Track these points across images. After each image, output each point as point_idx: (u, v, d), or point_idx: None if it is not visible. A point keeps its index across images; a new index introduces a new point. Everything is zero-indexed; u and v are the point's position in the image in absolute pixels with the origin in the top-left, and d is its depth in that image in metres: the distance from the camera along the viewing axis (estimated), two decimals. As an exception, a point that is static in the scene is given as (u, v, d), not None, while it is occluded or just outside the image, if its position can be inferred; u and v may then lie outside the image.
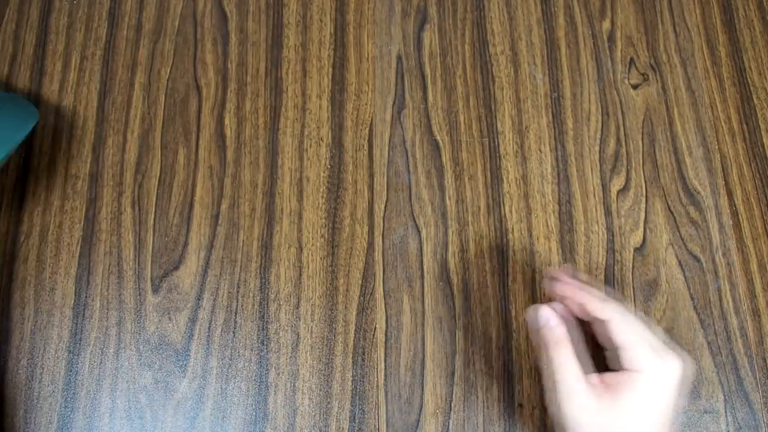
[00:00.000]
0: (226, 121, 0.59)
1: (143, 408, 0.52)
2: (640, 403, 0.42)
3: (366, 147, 0.59)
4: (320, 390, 0.52)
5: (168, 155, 0.59)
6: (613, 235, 0.57)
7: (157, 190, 0.57)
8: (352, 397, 0.52)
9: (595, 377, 0.43)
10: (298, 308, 0.54)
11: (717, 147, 0.60)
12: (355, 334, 0.54)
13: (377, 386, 0.53)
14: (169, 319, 0.54)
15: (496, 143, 0.59)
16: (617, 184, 0.58)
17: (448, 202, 0.57)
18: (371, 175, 0.58)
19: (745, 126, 0.60)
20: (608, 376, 0.43)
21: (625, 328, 0.43)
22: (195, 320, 0.54)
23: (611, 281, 0.56)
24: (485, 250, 0.56)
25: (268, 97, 0.60)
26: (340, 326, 0.54)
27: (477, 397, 0.52)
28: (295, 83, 0.61)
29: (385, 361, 0.53)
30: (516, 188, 0.58)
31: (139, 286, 0.55)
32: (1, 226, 0.56)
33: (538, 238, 0.57)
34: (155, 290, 0.55)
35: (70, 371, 0.53)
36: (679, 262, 0.56)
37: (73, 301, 0.55)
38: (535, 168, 0.59)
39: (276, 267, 0.55)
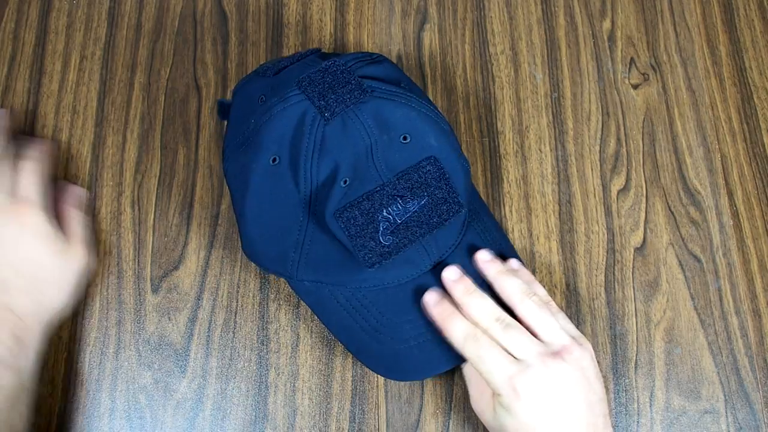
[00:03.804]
0: (226, 121, 0.59)
1: (143, 408, 0.52)
2: (510, 417, 0.43)
3: (366, 147, 0.59)
4: (320, 390, 0.52)
5: (168, 155, 0.58)
6: (613, 235, 0.57)
7: (157, 190, 0.57)
8: (352, 397, 0.52)
9: None
10: (298, 308, 0.54)
11: (717, 147, 0.60)
12: (355, 334, 0.54)
13: (377, 386, 0.53)
14: (169, 319, 0.54)
15: (496, 143, 0.59)
16: (617, 184, 0.58)
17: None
18: (371, 175, 0.58)
19: (745, 126, 0.60)
20: None
21: (476, 364, 0.44)
22: (195, 320, 0.54)
23: (611, 281, 0.56)
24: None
25: (268, 97, 0.60)
26: (340, 326, 0.54)
27: (477, 398, 0.52)
28: (295, 83, 0.61)
29: (385, 361, 0.53)
30: (516, 188, 0.58)
31: (138, 286, 0.55)
32: (1, 226, 0.56)
33: (538, 238, 0.57)
34: (155, 290, 0.54)
35: (70, 371, 0.53)
36: (680, 262, 0.56)
37: (72, 301, 0.54)
38: (535, 168, 0.59)
39: (276, 267, 0.55)
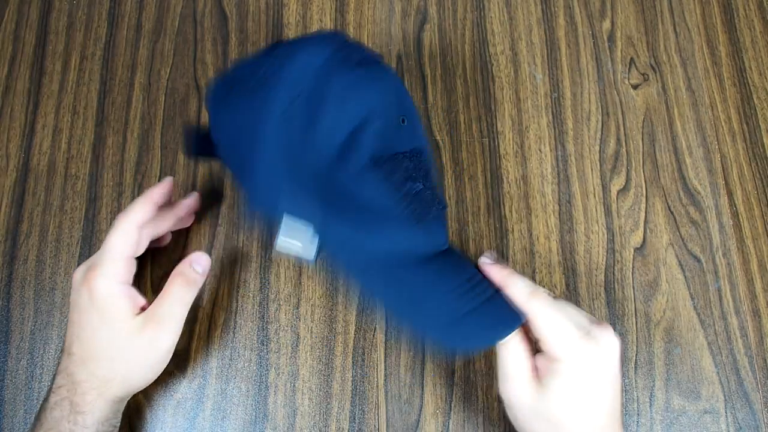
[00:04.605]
0: (226, 121, 0.59)
1: (143, 408, 0.52)
2: (563, 392, 0.42)
3: (366, 147, 0.59)
4: (320, 390, 0.52)
5: (168, 155, 0.58)
6: (613, 235, 0.57)
7: (157, 190, 0.57)
8: (352, 397, 0.52)
9: (537, 359, 0.44)
10: (298, 308, 0.54)
11: (717, 147, 0.60)
12: (355, 334, 0.54)
13: (377, 386, 0.53)
14: (169, 319, 0.54)
15: (496, 143, 0.59)
16: (617, 184, 0.58)
17: (448, 202, 0.57)
18: (371, 175, 0.58)
19: (745, 126, 0.60)
20: (539, 360, 0.43)
21: (543, 321, 0.43)
22: (195, 320, 0.54)
23: (611, 281, 0.56)
24: (485, 250, 0.56)
25: (268, 97, 0.60)
26: (340, 326, 0.54)
27: (477, 397, 0.52)
28: (295, 83, 0.61)
29: (385, 361, 0.53)
30: (516, 188, 0.58)
31: (138, 286, 0.55)
32: (1, 226, 0.56)
33: (538, 238, 0.57)
34: (155, 290, 0.54)
35: (70, 371, 0.53)
36: (679, 262, 0.56)
37: (73, 301, 0.55)
38: (535, 168, 0.59)
39: (276, 267, 0.55)
